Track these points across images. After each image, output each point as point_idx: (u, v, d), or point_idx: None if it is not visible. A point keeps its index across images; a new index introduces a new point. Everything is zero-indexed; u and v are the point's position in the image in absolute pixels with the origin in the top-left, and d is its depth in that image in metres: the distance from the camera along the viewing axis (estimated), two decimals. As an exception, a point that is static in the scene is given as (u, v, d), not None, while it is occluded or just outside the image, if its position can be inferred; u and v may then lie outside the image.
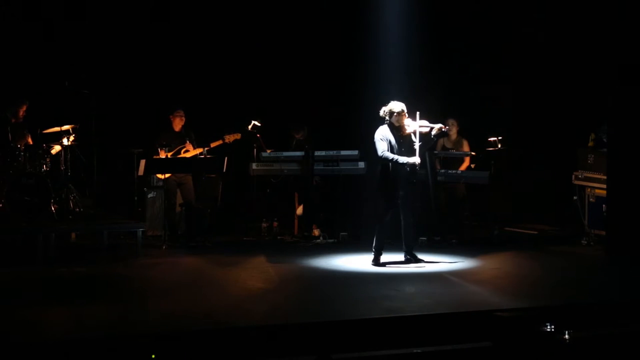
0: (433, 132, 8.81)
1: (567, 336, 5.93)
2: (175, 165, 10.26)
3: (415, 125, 8.74)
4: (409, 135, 8.75)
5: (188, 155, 10.40)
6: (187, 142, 10.47)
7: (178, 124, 10.51)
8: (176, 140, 10.44)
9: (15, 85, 10.78)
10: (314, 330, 6.15)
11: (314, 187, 10.82)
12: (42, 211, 9.70)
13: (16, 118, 10.14)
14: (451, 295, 7.37)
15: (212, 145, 10.42)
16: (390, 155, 8.67)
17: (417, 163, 8.69)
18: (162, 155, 10.20)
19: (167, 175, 10.35)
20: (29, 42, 11.19)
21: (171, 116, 10.51)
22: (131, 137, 11.14)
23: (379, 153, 8.71)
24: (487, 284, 7.95)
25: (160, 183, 10.61)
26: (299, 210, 10.94)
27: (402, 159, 8.66)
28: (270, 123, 11.12)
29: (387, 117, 8.79)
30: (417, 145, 8.72)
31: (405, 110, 8.75)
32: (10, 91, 10.54)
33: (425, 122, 8.81)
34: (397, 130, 8.76)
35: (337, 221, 11.02)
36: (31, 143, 10.14)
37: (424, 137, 8.83)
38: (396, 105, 8.76)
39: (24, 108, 10.17)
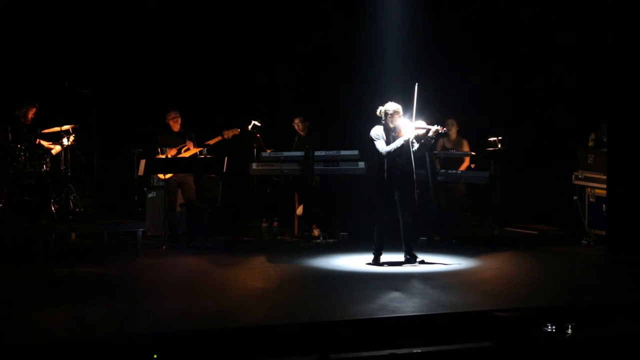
0: (430, 134, 8.77)
1: (569, 331, 5.94)
2: (175, 165, 10.26)
3: (411, 127, 8.72)
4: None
5: (189, 154, 10.40)
6: (188, 140, 10.47)
7: (175, 125, 10.53)
8: (176, 140, 10.46)
9: (15, 85, 10.79)
10: (314, 330, 6.15)
11: (314, 187, 10.81)
12: (42, 211, 9.69)
13: (25, 119, 10.18)
14: (451, 295, 7.37)
15: (210, 142, 10.43)
16: (390, 148, 8.65)
17: (409, 138, 8.63)
18: (163, 155, 10.21)
19: (168, 175, 10.35)
20: (29, 41, 11.20)
21: (167, 120, 10.53)
22: (131, 137, 11.15)
23: (381, 151, 8.69)
24: (487, 284, 7.95)
25: (161, 183, 10.62)
26: (299, 210, 10.93)
27: (398, 142, 8.61)
28: (269, 123, 11.12)
29: (382, 117, 8.78)
30: (414, 148, 8.70)
31: (401, 112, 8.72)
32: (12, 91, 10.55)
33: (422, 124, 8.77)
34: (392, 131, 8.74)
35: (337, 221, 11.02)
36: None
37: (421, 138, 8.80)
38: (391, 106, 8.73)
39: (34, 110, 10.21)
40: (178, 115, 10.54)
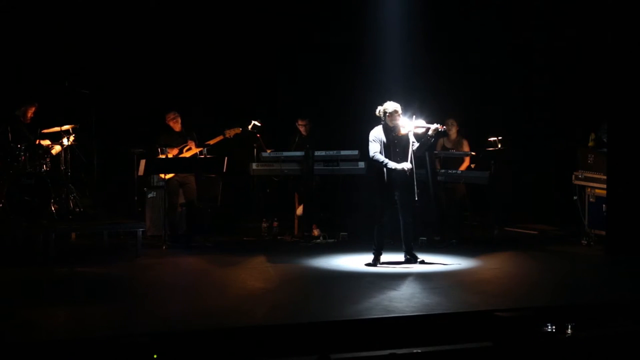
0: (429, 133, 8.77)
1: (569, 331, 5.94)
2: (175, 165, 10.26)
3: (411, 126, 8.72)
4: (406, 135, 8.73)
5: (190, 153, 10.40)
6: (189, 140, 10.47)
7: (175, 125, 10.53)
8: (178, 140, 10.45)
9: (15, 85, 10.79)
10: (314, 330, 6.15)
11: (314, 187, 10.80)
12: (42, 211, 9.69)
13: (24, 119, 10.18)
14: (451, 295, 7.37)
15: (211, 142, 10.42)
16: (381, 159, 8.64)
17: (406, 169, 8.64)
18: (164, 155, 10.21)
19: (170, 175, 10.35)
20: (29, 41, 11.19)
21: (166, 121, 10.53)
22: (131, 137, 11.14)
23: (370, 154, 8.72)
24: (487, 284, 7.95)
25: (161, 183, 10.61)
26: (299, 210, 10.93)
27: (391, 165, 8.61)
28: (269, 122, 11.12)
29: (382, 117, 8.78)
30: (414, 147, 8.71)
31: (400, 111, 8.71)
32: (12, 91, 10.55)
33: (421, 122, 8.77)
34: (392, 130, 8.74)
35: (337, 221, 11.01)
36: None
37: (421, 137, 8.80)
38: (389, 106, 8.72)
39: (33, 110, 10.21)
40: (177, 115, 10.53)
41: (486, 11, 11.99)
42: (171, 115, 10.51)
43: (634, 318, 6.66)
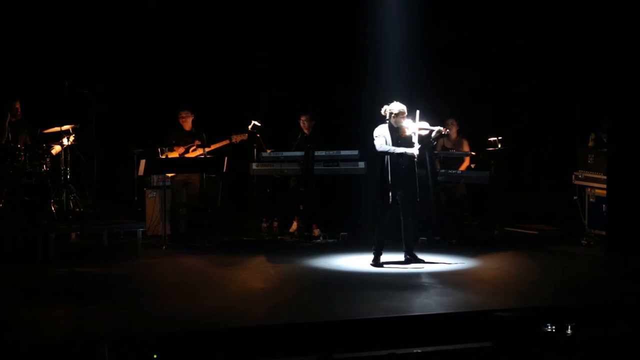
0: (433, 135, 8.79)
1: (569, 331, 5.94)
2: (175, 165, 10.27)
3: (414, 127, 8.74)
4: (409, 137, 8.75)
5: (196, 153, 10.40)
6: (197, 140, 10.46)
7: (185, 124, 10.54)
8: (186, 139, 10.46)
9: (15, 85, 10.79)
10: (314, 330, 6.15)
11: (314, 187, 10.80)
12: (42, 211, 9.69)
13: (15, 116, 10.14)
14: (451, 295, 7.37)
15: (213, 147, 10.43)
16: (387, 147, 8.68)
17: (415, 154, 8.66)
18: (172, 154, 10.21)
19: (174, 174, 10.35)
20: (29, 41, 11.20)
21: (178, 119, 10.56)
22: (131, 137, 11.14)
23: (377, 148, 8.74)
24: (487, 284, 7.96)
25: (161, 183, 10.62)
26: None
27: (400, 149, 8.66)
28: (270, 123, 11.12)
29: (387, 117, 8.80)
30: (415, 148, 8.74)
31: (405, 112, 8.75)
32: (11, 91, 10.55)
33: (425, 125, 8.80)
34: (396, 131, 8.76)
35: (337, 221, 11.02)
36: (29, 143, 10.12)
37: (424, 139, 8.82)
38: (395, 106, 8.76)
39: (18, 103, 10.13)
40: (188, 114, 10.57)
41: (486, 12, 11.99)
42: (182, 114, 10.55)
43: (634, 318, 6.66)
